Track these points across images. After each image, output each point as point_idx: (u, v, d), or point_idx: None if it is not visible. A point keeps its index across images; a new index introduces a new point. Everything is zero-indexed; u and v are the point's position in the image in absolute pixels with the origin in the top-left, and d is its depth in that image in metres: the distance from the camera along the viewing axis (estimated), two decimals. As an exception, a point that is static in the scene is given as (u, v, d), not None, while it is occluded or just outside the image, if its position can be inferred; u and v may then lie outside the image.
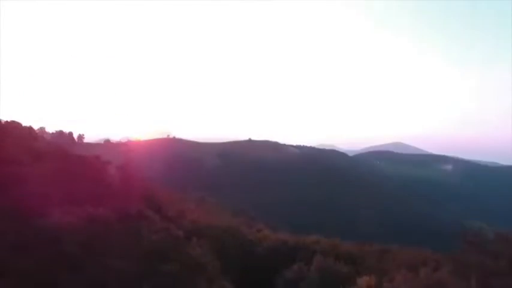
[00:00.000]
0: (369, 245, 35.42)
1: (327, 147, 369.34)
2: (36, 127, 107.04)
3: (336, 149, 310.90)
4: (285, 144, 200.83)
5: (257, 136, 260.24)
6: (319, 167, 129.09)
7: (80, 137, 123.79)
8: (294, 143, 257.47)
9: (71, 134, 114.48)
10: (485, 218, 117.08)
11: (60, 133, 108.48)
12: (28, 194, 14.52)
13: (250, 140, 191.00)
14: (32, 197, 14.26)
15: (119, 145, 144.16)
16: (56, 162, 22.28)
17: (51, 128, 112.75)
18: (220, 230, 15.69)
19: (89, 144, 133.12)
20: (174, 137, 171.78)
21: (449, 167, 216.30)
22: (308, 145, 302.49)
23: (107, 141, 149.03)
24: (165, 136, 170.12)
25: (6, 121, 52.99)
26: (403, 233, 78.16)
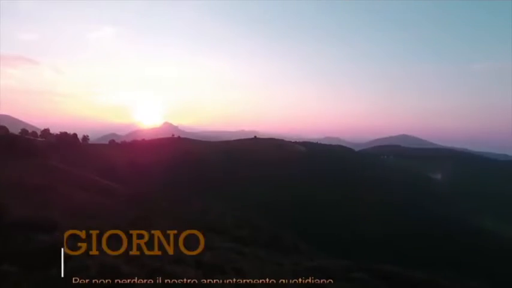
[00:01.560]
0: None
1: (333, 142, 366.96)
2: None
3: (342, 144, 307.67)
4: (290, 142, 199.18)
5: (262, 133, 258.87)
6: (325, 166, 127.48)
7: (85, 138, 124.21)
8: (300, 139, 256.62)
9: (75, 135, 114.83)
10: (496, 215, 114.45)
11: (64, 134, 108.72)
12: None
13: (255, 138, 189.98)
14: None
15: (124, 145, 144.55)
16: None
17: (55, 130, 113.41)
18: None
19: (94, 145, 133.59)
20: (179, 137, 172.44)
21: (456, 160, 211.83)
22: (314, 140, 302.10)
23: (112, 141, 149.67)
24: (169, 135, 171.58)
25: None
26: (412, 235, 76.34)
